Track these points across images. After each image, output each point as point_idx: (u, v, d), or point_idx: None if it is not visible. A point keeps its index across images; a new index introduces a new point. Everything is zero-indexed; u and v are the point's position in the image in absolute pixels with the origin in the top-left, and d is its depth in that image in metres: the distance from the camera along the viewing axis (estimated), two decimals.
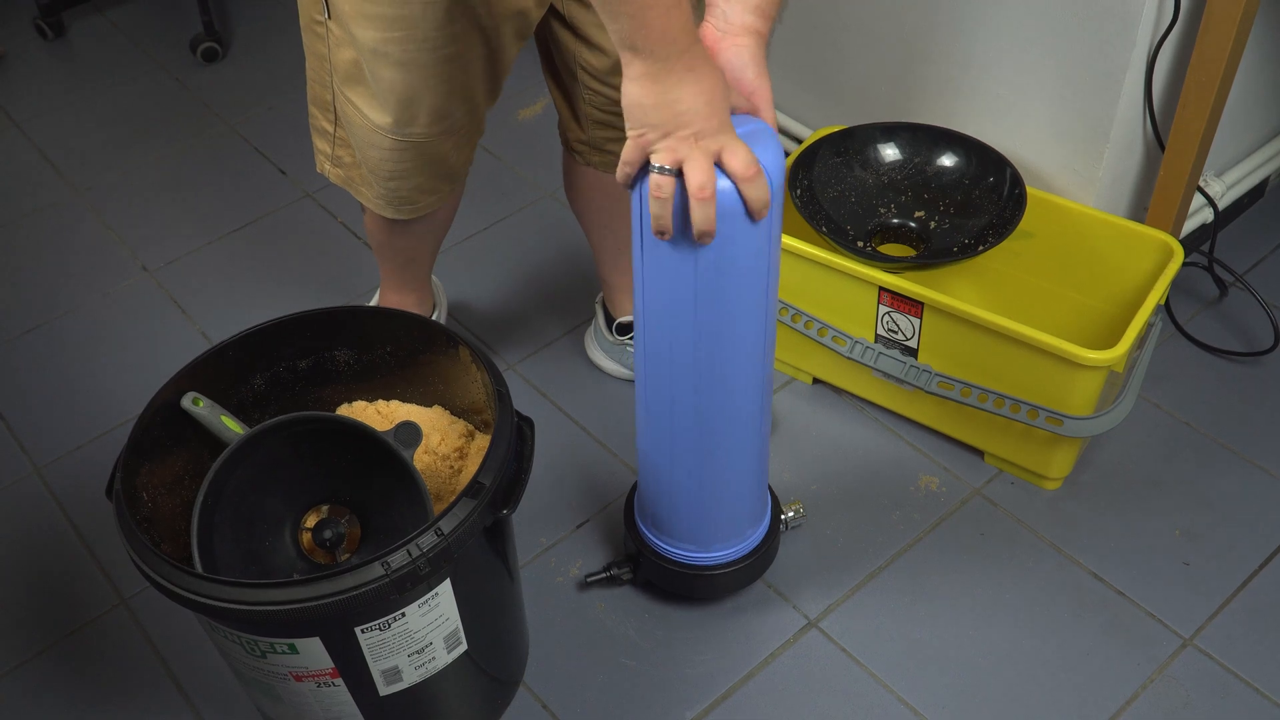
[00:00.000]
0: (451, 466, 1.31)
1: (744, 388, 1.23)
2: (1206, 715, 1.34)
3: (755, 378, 1.23)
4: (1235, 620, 1.43)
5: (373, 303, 1.75)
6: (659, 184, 1.03)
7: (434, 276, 1.79)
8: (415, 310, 1.69)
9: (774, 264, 1.15)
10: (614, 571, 1.46)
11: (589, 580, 1.47)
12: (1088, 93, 1.56)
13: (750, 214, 1.05)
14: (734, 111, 1.08)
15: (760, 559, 1.42)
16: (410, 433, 1.19)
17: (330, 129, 1.42)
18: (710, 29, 1.09)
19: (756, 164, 1.03)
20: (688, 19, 0.98)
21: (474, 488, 1.10)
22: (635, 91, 1.00)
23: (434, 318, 1.75)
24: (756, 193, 1.03)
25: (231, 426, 1.24)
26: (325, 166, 1.47)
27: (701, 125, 1.01)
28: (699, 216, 1.03)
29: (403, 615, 1.11)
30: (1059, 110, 1.60)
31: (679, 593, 1.46)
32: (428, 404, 1.37)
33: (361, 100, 1.32)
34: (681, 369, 1.20)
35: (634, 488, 1.44)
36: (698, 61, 1.00)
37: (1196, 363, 1.73)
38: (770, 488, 1.46)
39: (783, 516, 1.48)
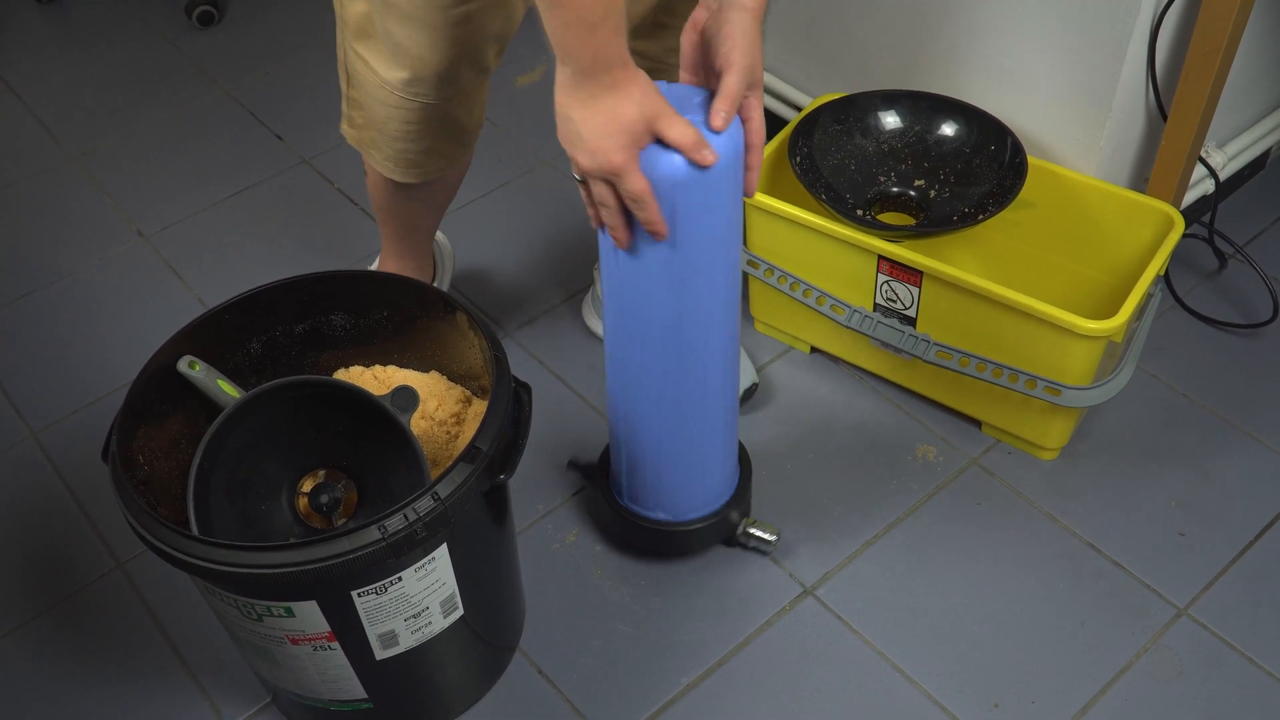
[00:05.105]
0: (448, 432, 1.31)
1: (707, 356, 1.24)
2: (1200, 684, 1.35)
3: (719, 343, 1.24)
4: (1230, 591, 1.43)
5: (372, 268, 1.74)
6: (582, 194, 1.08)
7: (445, 240, 1.78)
8: (415, 277, 1.68)
9: (733, 245, 1.16)
10: (581, 466, 1.52)
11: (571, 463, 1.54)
12: (1090, 61, 1.55)
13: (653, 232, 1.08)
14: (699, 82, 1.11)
15: (720, 523, 1.43)
16: (407, 398, 1.19)
17: (344, 89, 1.41)
18: (701, 9, 1.09)
19: (644, 194, 1.04)
20: (601, 47, 0.97)
21: (471, 453, 1.10)
22: (556, 98, 1.02)
23: (435, 283, 1.74)
24: (645, 218, 1.06)
25: (228, 390, 1.23)
26: (344, 127, 1.46)
27: (590, 152, 1.02)
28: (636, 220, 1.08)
29: (399, 580, 1.11)
30: (1061, 79, 1.59)
31: (645, 549, 1.48)
32: (425, 369, 1.36)
33: (371, 55, 1.30)
34: (644, 337, 1.21)
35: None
36: (602, 91, 0.99)
37: (1195, 334, 1.73)
38: (744, 450, 1.46)
39: (750, 530, 1.46)
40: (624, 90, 1.00)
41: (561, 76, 1.01)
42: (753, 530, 1.46)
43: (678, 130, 1.02)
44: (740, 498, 1.44)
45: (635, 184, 1.03)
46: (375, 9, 1.25)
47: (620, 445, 1.37)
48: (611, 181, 1.04)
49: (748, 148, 1.10)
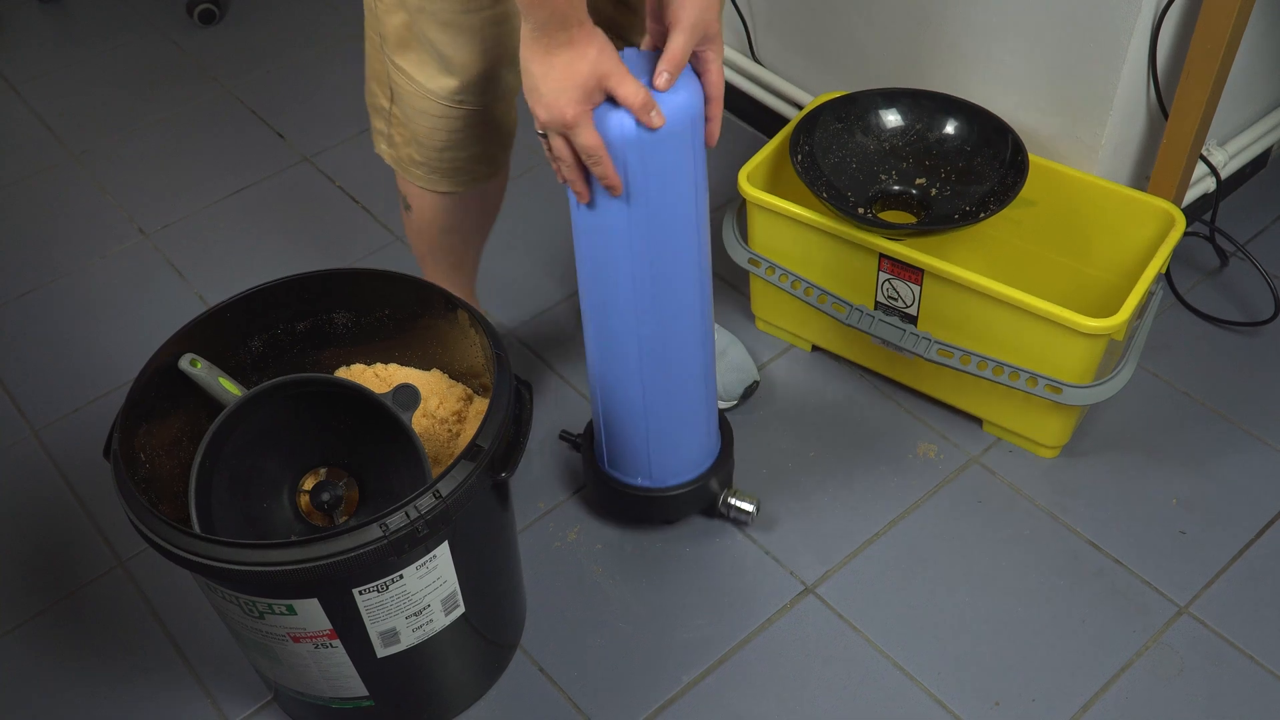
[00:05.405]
0: (450, 430, 1.31)
1: (677, 312, 1.26)
2: (1201, 683, 1.35)
3: (689, 300, 1.26)
4: (1231, 589, 1.43)
5: None
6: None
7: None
8: None
9: (699, 198, 1.19)
10: (570, 438, 1.55)
11: (562, 435, 1.58)
12: (1091, 59, 1.55)
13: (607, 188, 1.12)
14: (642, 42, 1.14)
15: (699, 490, 1.44)
16: (408, 395, 1.19)
17: (387, 105, 1.36)
18: None
19: (597, 149, 1.08)
20: (558, 6, 1.00)
21: (472, 450, 1.10)
22: (520, 52, 1.06)
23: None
24: (599, 173, 1.10)
25: (229, 388, 1.23)
26: (381, 146, 1.42)
27: (546, 105, 1.06)
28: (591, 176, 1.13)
29: (400, 577, 1.11)
30: (1062, 77, 1.59)
31: (626, 516, 1.51)
32: (426, 367, 1.36)
33: (411, 66, 1.27)
34: (613, 294, 1.24)
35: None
36: (558, 47, 1.03)
37: (1196, 332, 1.73)
38: (727, 424, 1.47)
39: (731, 500, 1.47)
40: (579, 48, 1.03)
41: (524, 31, 1.04)
42: (733, 500, 1.47)
43: (627, 89, 1.06)
44: (720, 468, 1.45)
45: (587, 138, 1.07)
46: (414, 18, 1.23)
47: (599, 409, 1.39)
48: (566, 135, 1.08)
49: (707, 99, 1.13)
